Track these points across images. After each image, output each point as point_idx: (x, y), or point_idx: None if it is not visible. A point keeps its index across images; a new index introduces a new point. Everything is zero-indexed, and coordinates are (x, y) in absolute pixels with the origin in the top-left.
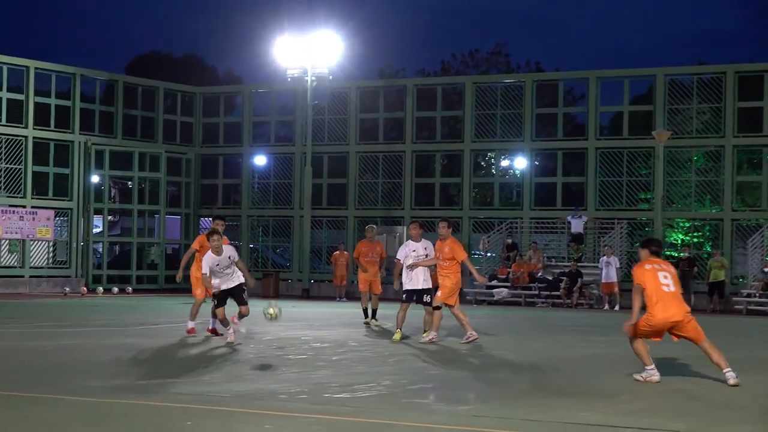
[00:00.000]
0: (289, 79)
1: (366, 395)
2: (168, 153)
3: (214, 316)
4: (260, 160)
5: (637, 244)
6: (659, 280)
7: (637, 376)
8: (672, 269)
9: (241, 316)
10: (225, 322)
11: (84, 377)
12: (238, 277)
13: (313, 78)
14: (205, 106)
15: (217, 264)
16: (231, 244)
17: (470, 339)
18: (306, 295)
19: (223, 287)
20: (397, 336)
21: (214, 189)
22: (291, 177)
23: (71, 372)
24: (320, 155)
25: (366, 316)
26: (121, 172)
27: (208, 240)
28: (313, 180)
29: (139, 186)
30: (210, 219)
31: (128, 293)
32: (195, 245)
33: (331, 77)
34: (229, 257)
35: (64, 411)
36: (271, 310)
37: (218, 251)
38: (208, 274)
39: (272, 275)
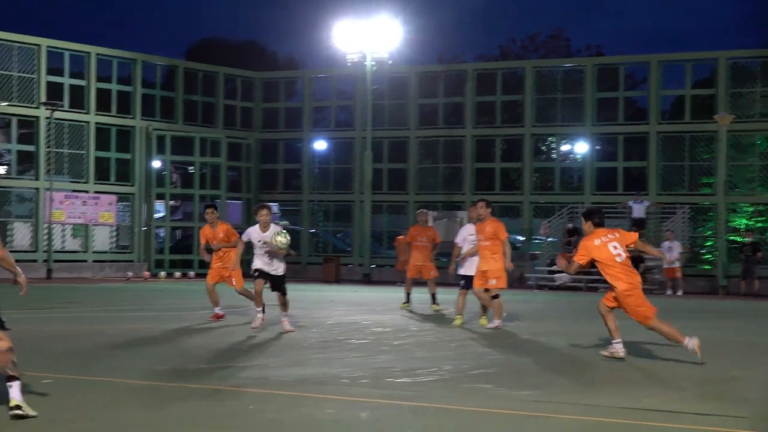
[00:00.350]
0: (348, 64)
1: (427, 380)
2: (228, 138)
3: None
4: (320, 145)
5: (700, 228)
6: (611, 252)
7: (604, 352)
8: (617, 234)
9: (280, 302)
10: (259, 301)
11: (146, 361)
12: (280, 267)
13: (373, 63)
14: (265, 92)
15: (259, 240)
16: (285, 227)
17: (496, 326)
18: (367, 280)
19: (260, 267)
20: (457, 321)
21: (274, 174)
22: (351, 162)
23: (133, 356)
24: (380, 140)
25: (407, 299)
26: (182, 157)
27: (256, 214)
28: (373, 165)
29: (201, 171)
30: (272, 204)
31: (190, 278)
32: (202, 240)
33: (390, 62)
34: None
35: (126, 394)
36: (281, 239)
37: (265, 227)
38: (243, 242)
39: (333, 260)
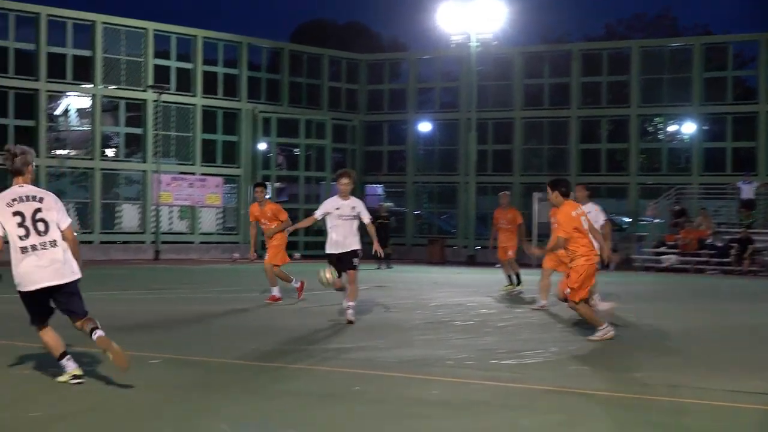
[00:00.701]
0: (453, 45)
1: (533, 362)
2: (333, 120)
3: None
4: (425, 126)
5: None
6: (582, 225)
7: (593, 337)
8: (582, 210)
9: (349, 282)
10: (342, 287)
11: (250, 341)
12: (354, 242)
13: (478, 44)
14: (370, 73)
15: (337, 208)
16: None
17: (542, 306)
18: (471, 262)
19: (332, 251)
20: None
21: (379, 155)
22: (456, 143)
23: (237, 336)
24: (485, 121)
25: (510, 281)
26: (287, 139)
27: (337, 182)
28: (477, 146)
29: (306, 153)
30: (376, 185)
31: (296, 259)
32: (251, 218)
33: (495, 43)
34: (353, 208)
35: (228, 374)
36: (328, 275)
37: (345, 196)
38: (318, 217)
39: (437, 242)
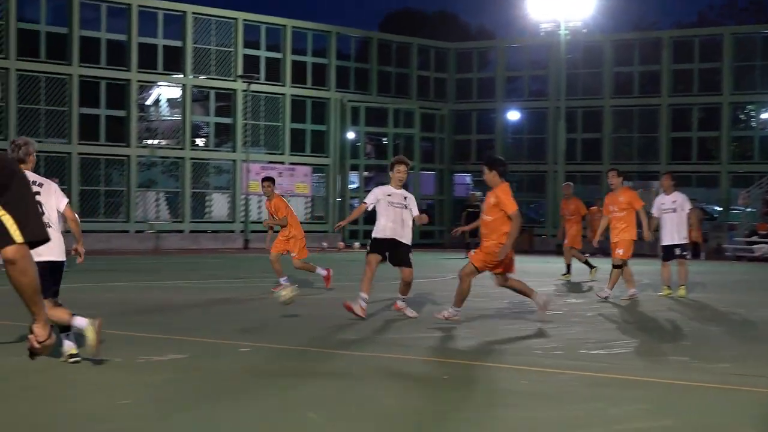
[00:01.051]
0: (542, 33)
1: (621, 352)
2: (422, 109)
3: None
4: (513, 115)
5: None
6: None
7: (439, 315)
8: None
9: (404, 283)
10: (367, 286)
11: (338, 330)
12: (407, 233)
13: (567, 31)
14: (458, 62)
15: (389, 195)
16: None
17: (633, 295)
18: (560, 251)
19: (379, 235)
20: (664, 292)
21: (467, 144)
22: (545, 132)
23: (324, 324)
24: (574, 110)
25: (590, 268)
26: (376, 128)
27: (394, 169)
28: (567, 135)
29: (394, 142)
30: (465, 174)
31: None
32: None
33: (584, 30)
34: (405, 198)
35: (320, 362)
36: (287, 293)
37: (399, 184)
38: (369, 204)
39: (525, 231)
